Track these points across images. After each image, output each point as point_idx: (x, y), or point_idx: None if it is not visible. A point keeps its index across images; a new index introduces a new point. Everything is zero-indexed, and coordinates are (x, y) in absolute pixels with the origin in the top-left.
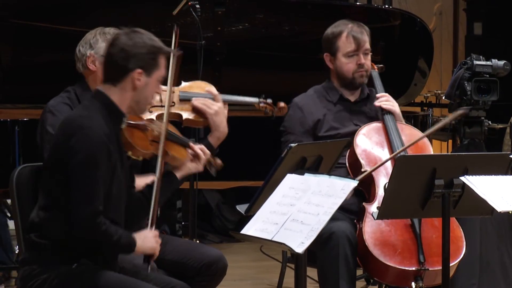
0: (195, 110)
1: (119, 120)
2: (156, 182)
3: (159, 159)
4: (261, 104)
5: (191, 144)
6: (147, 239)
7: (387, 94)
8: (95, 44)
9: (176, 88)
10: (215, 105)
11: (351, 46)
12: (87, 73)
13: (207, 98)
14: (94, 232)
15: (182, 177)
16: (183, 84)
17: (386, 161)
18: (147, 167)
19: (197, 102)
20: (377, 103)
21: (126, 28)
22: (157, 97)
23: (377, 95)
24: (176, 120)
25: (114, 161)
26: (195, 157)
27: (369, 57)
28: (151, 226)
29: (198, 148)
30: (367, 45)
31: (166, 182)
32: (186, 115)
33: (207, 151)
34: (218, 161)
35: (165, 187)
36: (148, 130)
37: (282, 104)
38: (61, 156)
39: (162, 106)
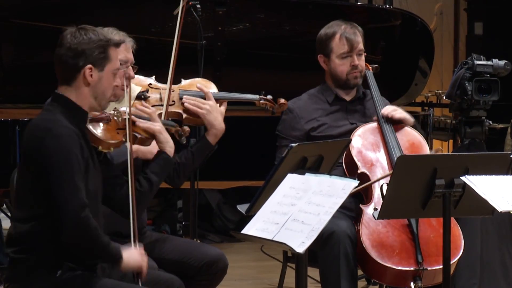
0: (188, 111)
1: (82, 119)
2: (130, 175)
3: (128, 146)
4: (261, 101)
5: (138, 106)
6: (132, 255)
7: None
8: None
9: (175, 86)
10: (206, 104)
11: (344, 47)
12: None
13: (197, 97)
14: (85, 228)
15: (164, 148)
16: (183, 82)
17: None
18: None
19: (187, 103)
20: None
21: (72, 27)
22: (157, 95)
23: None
24: (176, 118)
25: (86, 156)
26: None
27: (363, 57)
28: (134, 241)
29: (144, 108)
30: (361, 46)
31: (160, 162)
32: (186, 114)
33: (152, 109)
34: (186, 128)
35: (163, 167)
36: (111, 120)
37: (282, 100)
38: (33, 162)
39: (161, 105)
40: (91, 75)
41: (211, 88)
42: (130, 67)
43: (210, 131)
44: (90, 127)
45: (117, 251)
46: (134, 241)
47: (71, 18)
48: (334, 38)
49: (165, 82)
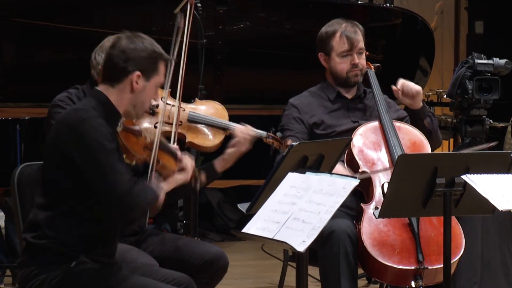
0: (212, 135)
1: (115, 120)
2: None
3: (151, 166)
4: (269, 139)
5: (179, 155)
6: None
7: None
8: None
9: (187, 106)
10: (247, 144)
11: (345, 46)
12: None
13: (206, 120)
14: (137, 208)
15: (169, 189)
16: (196, 101)
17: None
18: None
19: (242, 132)
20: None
21: (129, 31)
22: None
23: (398, 85)
24: (179, 138)
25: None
26: (183, 169)
27: (363, 56)
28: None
29: (186, 159)
30: (361, 45)
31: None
32: (190, 138)
33: (193, 164)
34: (203, 178)
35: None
36: (142, 136)
37: (289, 141)
38: (62, 152)
39: (169, 123)
40: (137, 82)
41: (224, 116)
42: None
43: (223, 163)
44: (121, 134)
45: (157, 189)
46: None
47: (72, 17)
48: (334, 37)
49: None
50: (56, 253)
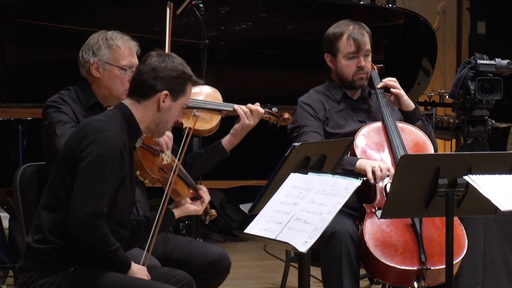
0: (208, 118)
1: (135, 136)
2: (159, 214)
3: (166, 191)
4: (265, 114)
5: (200, 186)
6: (141, 271)
7: (393, 78)
8: (98, 51)
9: None
10: (255, 120)
11: (351, 48)
12: (91, 79)
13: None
14: (93, 233)
15: (179, 216)
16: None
17: None
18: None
19: (242, 107)
20: (385, 81)
21: (160, 49)
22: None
23: (379, 86)
24: (177, 126)
25: (125, 171)
26: (197, 199)
27: (369, 58)
28: (145, 262)
29: (204, 192)
30: (368, 47)
31: (164, 218)
32: (188, 123)
33: (209, 197)
34: (213, 212)
35: (162, 223)
36: (159, 157)
37: (286, 115)
38: (73, 155)
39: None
40: (164, 101)
41: (217, 98)
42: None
43: (230, 140)
44: (139, 150)
45: (124, 261)
46: (145, 260)
47: (74, 17)
48: (341, 38)
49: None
50: (56, 258)
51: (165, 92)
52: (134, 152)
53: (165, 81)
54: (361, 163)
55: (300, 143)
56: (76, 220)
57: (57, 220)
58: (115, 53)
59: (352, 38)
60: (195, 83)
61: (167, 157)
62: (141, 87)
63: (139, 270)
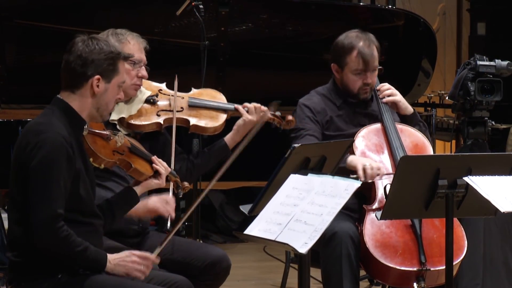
0: (213, 116)
1: (79, 126)
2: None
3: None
4: (271, 114)
5: (153, 158)
6: (123, 264)
7: (387, 84)
8: None
9: (185, 94)
10: (257, 115)
11: (360, 65)
12: None
13: (205, 105)
14: (54, 237)
15: (141, 193)
16: (193, 90)
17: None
18: None
19: (245, 104)
20: (380, 95)
21: (83, 35)
22: (166, 102)
23: (377, 87)
24: (183, 125)
25: (78, 166)
26: (156, 173)
27: (375, 73)
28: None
29: (159, 163)
30: (376, 64)
31: (125, 197)
32: (194, 121)
33: (168, 167)
34: (186, 184)
35: (124, 203)
36: (111, 140)
37: (290, 117)
38: (21, 165)
39: (170, 110)
40: (98, 86)
41: (221, 99)
42: (143, 67)
43: (233, 136)
44: (87, 138)
45: (96, 259)
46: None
47: (75, 18)
48: (351, 54)
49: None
50: (40, 268)
51: (97, 76)
52: (84, 141)
53: (94, 66)
54: (352, 159)
55: (300, 144)
56: (35, 228)
57: (28, 231)
58: (124, 46)
59: (361, 56)
60: (126, 59)
61: (120, 138)
62: (72, 77)
63: (116, 266)
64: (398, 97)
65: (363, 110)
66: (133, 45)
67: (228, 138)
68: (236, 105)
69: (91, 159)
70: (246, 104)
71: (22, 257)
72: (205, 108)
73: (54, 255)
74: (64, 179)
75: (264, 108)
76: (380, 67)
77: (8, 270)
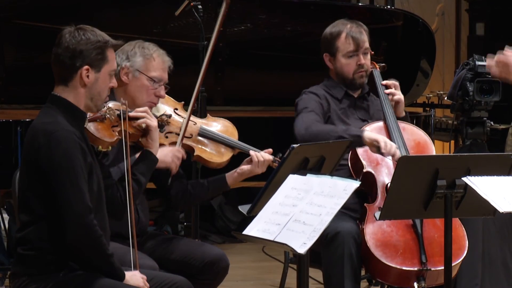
0: (219, 152)
1: (82, 119)
2: (127, 173)
3: (125, 148)
4: (275, 163)
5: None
6: (135, 277)
7: (394, 82)
8: (132, 57)
9: (199, 120)
10: (262, 167)
11: (351, 46)
12: (118, 84)
13: (217, 136)
14: (91, 233)
15: (152, 147)
16: (208, 117)
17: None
18: None
19: (258, 156)
20: (387, 91)
21: (70, 26)
22: (178, 124)
23: (383, 82)
24: (188, 151)
25: (89, 160)
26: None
27: (368, 56)
28: (135, 268)
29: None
30: (367, 45)
31: (148, 163)
32: (199, 151)
33: (149, 114)
34: (165, 117)
35: (150, 168)
36: (106, 118)
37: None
38: (36, 166)
39: (177, 134)
40: (88, 76)
41: (234, 135)
42: (163, 86)
43: (236, 178)
44: (89, 127)
45: (120, 268)
46: (133, 241)
47: (74, 19)
48: (340, 37)
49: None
50: (45, 263)
51: (85, 67)
52: (87, 132)
53: (82, 56)
54: (370, 133)
55: (299, 144)
56: (70, 224)
57: (39, 230)
58: (148, 62)
59: (350, 36)
60: (115, 46)
61: (112, 111)
62: (62, 70)
63: (132, 276)
64: (402, 97)
65: (363, 104)
66: (157, 63)
67: (230, 177)
68: (251, 153)
69: (99, 147)
70: (258, 155)
71: (31, 251)
72: (215, 141)
73: (84, 252)
74: (84, 173)
75: (270, 158)
76: (383, 64)
77: (14, 264)
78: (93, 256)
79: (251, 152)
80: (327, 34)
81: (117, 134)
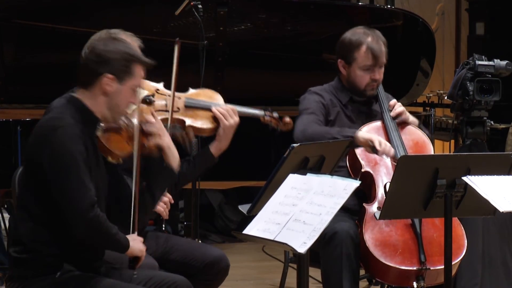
0: (209, 118)
1: (93, 125)
2: (134, 180)
3: (135, 160)
4: (267, 118)
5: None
6: (136, 241)
7: (397, 103)
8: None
9: (182, 94)
10: (234, 119)
11: (369, 61)
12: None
13: (202, 106)
14: (97, 224)
15: (170, 163)
16: (190, 91)
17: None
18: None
19: (218, 109)
20: (393, 114)
21: (104, 31)
22: (163, 102)
23: (391, 102)
24: (178, 125)
25: (89, 161)
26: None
27: (382, 69)
28: (133, 231)
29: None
30: (384, 59)
31: (167, 178)
32: (190, 122)
33: (157, 120)
34: (191, 133)
35: (168, 182)
36: (123, 130)
37: (287, 119)
38: (38, 162)
39: (166, 110)
40: (110, 85)
41: (218, 100)
42: None
43: (217, 144)
44: (101, 137)
45: (125, 238)
46: (134, 231)
47: (73, 18)
48: (360, 49)
49: (169, 88)
50: (40, 265)
51: (109, 75)
52: (98, 141)
53: (108, 65)
54: (362, 133)
55: (299, 144)
56: (77, 220)
57: (34, 228)
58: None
59: (370, 51)
60: (144, 64)
61: (130, 123)
62: (86, 74)
63: (135, 242)
64: (415, 120)
65: (367, 109)
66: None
67: (212, 145)
68: (212, 109)
69: (109, 158)
70: (219, 109)
71: (24, 253)
72: (202, 109)
73: (95, 243)
74: (87, 167)
75: (235, 108)
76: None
77: (9, 267)
78: (103, 242)
79: (213, 109)
80: (346, 41)
81: (131, 147)
